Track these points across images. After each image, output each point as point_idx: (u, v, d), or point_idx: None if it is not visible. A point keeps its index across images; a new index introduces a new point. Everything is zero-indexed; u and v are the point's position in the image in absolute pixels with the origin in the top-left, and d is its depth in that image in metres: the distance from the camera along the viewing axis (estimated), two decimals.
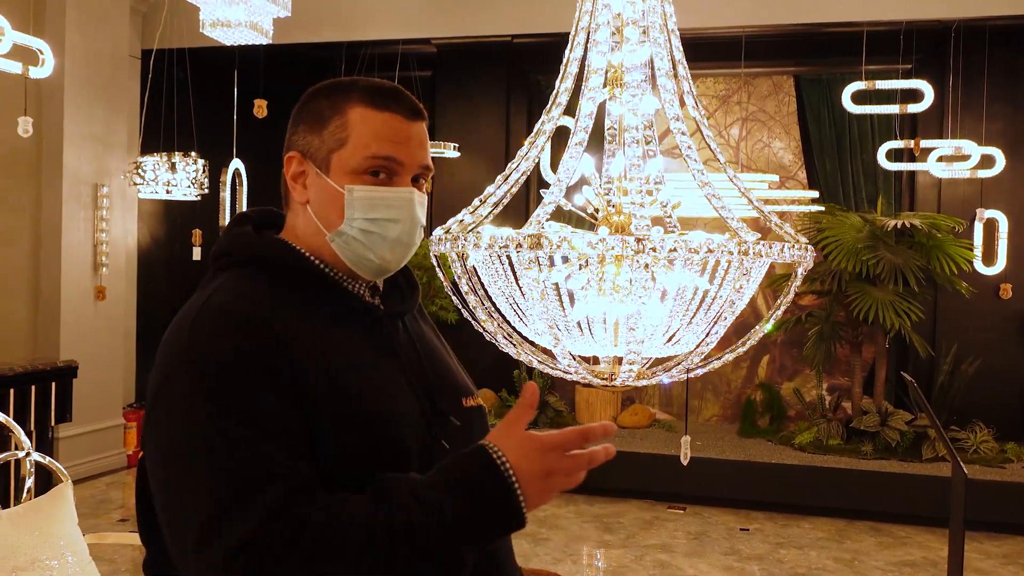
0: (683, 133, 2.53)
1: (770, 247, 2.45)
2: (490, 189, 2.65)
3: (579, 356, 2.75)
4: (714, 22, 6.54)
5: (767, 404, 7.11)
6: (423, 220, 1.31)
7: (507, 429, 1.12)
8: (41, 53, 4.67)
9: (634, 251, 2.33)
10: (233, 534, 1.00)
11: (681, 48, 2.64)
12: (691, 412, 7.54)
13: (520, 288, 2.56)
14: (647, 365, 2.79)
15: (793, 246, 2.52)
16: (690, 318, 2.66)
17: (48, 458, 2.47)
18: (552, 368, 2.69)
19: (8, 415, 3.49)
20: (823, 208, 6.50)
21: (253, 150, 6.83)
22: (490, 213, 2.64)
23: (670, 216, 2.66)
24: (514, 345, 2.66)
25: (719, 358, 2.73)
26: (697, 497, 6.03)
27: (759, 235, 2.49)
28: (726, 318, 2.57)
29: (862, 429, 6.15)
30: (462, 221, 2.62)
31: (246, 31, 4.98)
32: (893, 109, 6.03)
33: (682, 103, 2.64)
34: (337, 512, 1.04)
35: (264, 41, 5.06)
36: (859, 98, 5.93)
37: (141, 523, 1.22)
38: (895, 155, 6.40)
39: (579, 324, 2.68)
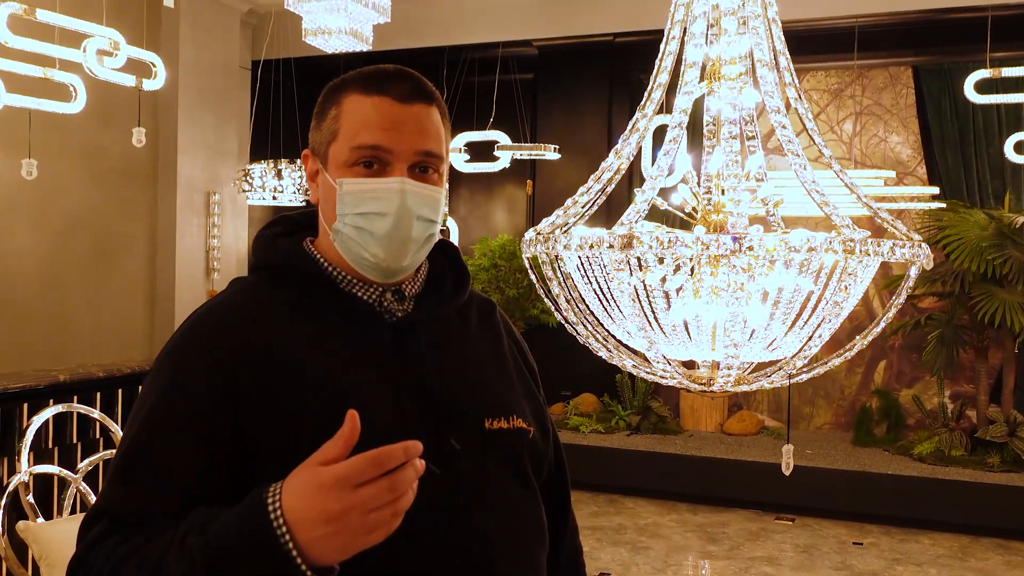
0: (783, 127, 2.40)
1: (878, 245, 2.30)
2: (582, 190, 2.58)
3: (676, 360, 2.65)
4: (825, 12, 6.28)
5: (884, 412, 6.78)
6: (427, 212, 1.17)
7: (304, 464, 0.96)
8: (154, 66, 4.85)
9: (730, 251, 2.23)
10: (81, 542, 1.08)
11: (783, 38, 2.51)
12: (802, 419, 7.25)
13: (611, 290, 2.48)
14: (749, 370, 2.67)
15: (904, 244, 2.36)
16: (791, 322, 2.53)
17: None
18: (647, 372, 2.60)
19: (117, 414, 3.62)
20: (944, 205, 6.15)
21: None
22: (581, 214, 2.57)
23: (773, 214, 2.53)
24: (607, 349, 2.59)
25: (824, 363, 2.58)
26: (807, 508, 5.78)
27: (868, 233, 2.34)
28: (830, 321, 2.42)
29: (988, 440, 5.77)
30: (553, 222, 2.57)
31: (347, 38, 5.05)
32: (1021, 98, 5.64)
33: (784, 96, 2.51)
34: (137, 548, 1.02)
35: (365, 48, 5.12)
36: (983, 87, 5.57)
37: None
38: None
39: (674, 327, 2.58)
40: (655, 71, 2.58)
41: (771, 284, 2.45)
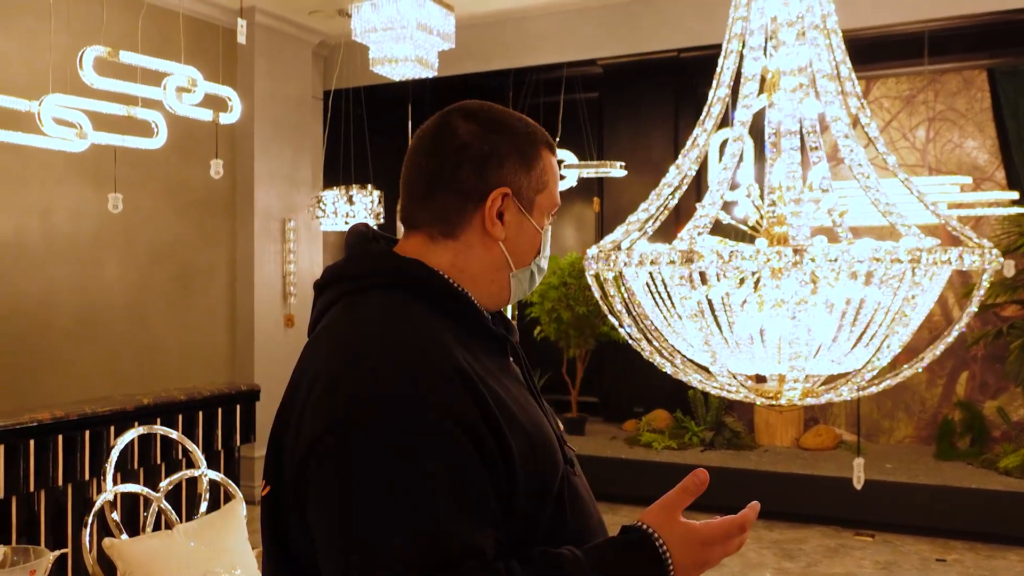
0: (845, 136, 2.40)
1: (945, 253, 2.27)
2: (643, 206, 2.61)
3: (743, 374, 2.65)
4: (892, 18, 6.17)
5: (967, 424, 6.57)
6: None
7: (667, 515, 1.12)
8: (229, 100, 5.03)
9: (792, 263, 2.23)
10: None
11: (843, 47, 2.51)
12: (882, 433, 7.08)
13: (674, 305, 2.49)
14: (818, 383, 2.64)
15: (974, 251, 2.32)
16: (859, 334, 2.50)
17: (221, 475, 2.63)
18: (713, 387, 2.60)
19: (198, 435, 3.76)
20: None
21: None
22: (643, 230, 2.59)
23: (839, 225, 2.52)
24: (672, 364, 2.60)
25: (896, 374, 2.55)
26: (887, 524, 5.63)
27: (937, 241, 2.31)
28: (899, 332, 2.39)
29: None
30: (614, 239, 2.60)
31: (413, 65, 5.18)
32: None
33: (846, 105, 2.50)
34: None
35: (430, 74, 5.24)
36: None
37: (270, 563, 1.18)
38: None
39: (738, 343, 2.58)
40: (714, 85, 2.60)
41: (837, 296, 2.44)
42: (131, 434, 2.57)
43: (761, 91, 2.56)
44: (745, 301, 2.58)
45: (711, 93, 2.62)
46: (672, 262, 2.29)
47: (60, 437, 3.32)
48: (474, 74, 7.25)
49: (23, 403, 4.74)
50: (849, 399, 2.55)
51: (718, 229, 2.74)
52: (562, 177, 6.39)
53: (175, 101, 4.74)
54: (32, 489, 3.21)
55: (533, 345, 7.15)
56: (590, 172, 6.34)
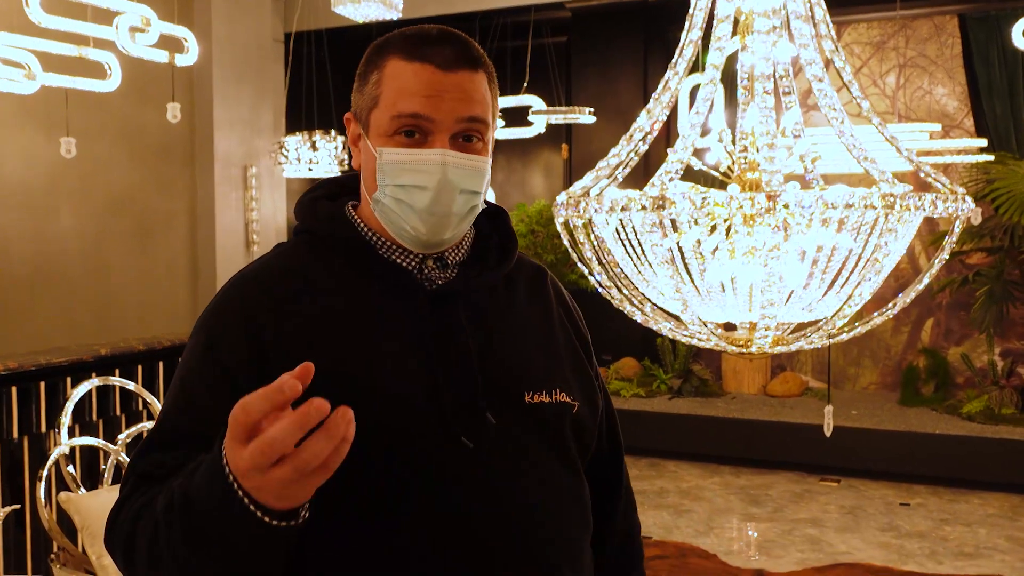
0: (819, 79, 2.33)
1: (919, 199, 2.23)
2: (613, 151, 2.54)
3: (714, 322, 2.61)
4: None
5: (931, 371, 6.65)
6: (470, 185, 1.13)
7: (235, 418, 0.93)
8: (186, 41, 4.86)
9: (764, 209, 2.18)
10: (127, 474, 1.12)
11: None
12: (847, 380, 7.15)
13: (644, 253, 2.44)
14: (788, 331, 2.62)
15: (947, 198, 2.29)
16: (830, 282, 2.47)
17: None
18: (684, 335, 2.57)
19: (158, 386, 3.68)
20: (992, 158, 5.97)
21: None
22: (612, 176, 2.53)
23: (811, 171, 2.46)
24: (643, 312, 2.55)
25: (865, 322, 2.53)
26: (852, 470, 5.71)
27: (910, 188, 2.27)
28: (871, 280, 2.36)
29: None
30: (584, 185, 2.53)
31: (376, 6, 5.01)
32: None
33: (820, 48, 2.44)
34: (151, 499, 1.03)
35: (395, 15, 5.08)
36: None
37: None
38: None
39: (709, 290, 2.54)
40: (686, 27, 2.53)
41: (809, 243, 2.40)
42: (86, 385, 2.48)
43: (734, 34, 2.49)
44: (716, 248, 2.54)
45: (683, 35, 2.54)
46: (643, 208, 2.23)
47: (14, 389, 3.23)
48: (440, 16, 7.07)
49: None
50: (819, 347, 2.53)
51: (689, 175, 2.68)
52: (530, 124, 6.28)
53: (128, 41, 4.56)
54: None
55: None
56: (558, 118, 6.24)
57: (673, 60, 2.53)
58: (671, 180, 2.30)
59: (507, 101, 6.31)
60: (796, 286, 2.42)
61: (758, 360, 6.79)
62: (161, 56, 4.74)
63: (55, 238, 5.67)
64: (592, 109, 6.35)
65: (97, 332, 5.69)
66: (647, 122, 2.53)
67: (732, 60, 2.48)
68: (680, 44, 2.53)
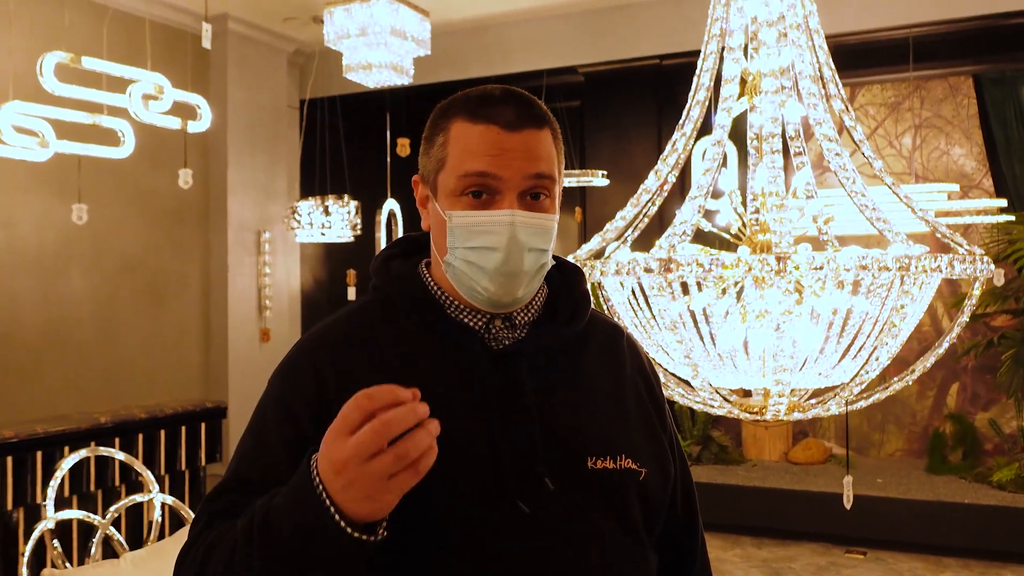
0: (829, 139, 2.28)
1: (935, 260, 2.14)
2: (620, 214, 2.49)
3: (726, 389, 2.52)
4: (877, 23, 6.09)
5: (959, 437, 6.45)
6: (539, 243, 1.13)
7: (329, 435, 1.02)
8: (198, 108, 4.89)
9: (774, 271, 2.10)
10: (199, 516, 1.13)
11: (826, 48, 2.40)
12: (871, 446, 6.95)
13: (654, 316, 2.37)
14: (805, 397, 2.52)
15: (964, 259, 2.20)
16: (846, 346, 2.38)
17: (173, 499, 2.48)
18: (694, 401, 2.47)
19: (159, 456, 3.59)
20: (1013, 218, 5.86)
21: (407, 189, 6.94)
22: (621, 237, 2.48)
23: (825, 232, 2.39)
24: None
25: (885, 388, 2.43)
26: (879, 541, 5.49)
27: (926, 249, 2.19)
28: (888, 343, 2.27)
29: None
30: (591, 248, 2.47)
31: (387, 72, 5.05)
32: None
33: (830, 108, 2.39)
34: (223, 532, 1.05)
35: (405, 81, 5.11)
36: None
37: None
38: None
39: (720, 356, 2.45)
40: (693, 87, 2.50)
41: (824, 306, 2.32)
42: (73, 458, 2.41)
43: (742, 94, 2.45)
44: (728, 312, 2.46)
45: (690, 96, 2.51)
46: (649, 270, 2.16)
47: (10, 459, 3.16)
48: (453, 82, 7.13)
49: None
50: (837, 413, 2.43)
51: (700, 238, 2.61)
52: None
53: (141, 108, 4.60)
54: None
55: None
56: (572, 181, 6.22)
57: (681, 121, 2.50)
58: (679, 242, 2.23)
59: None
60: (811, 351, 2.33)
61: (779, 427, 6.63)
62: (174, 123, 4.77)
63: (66, 302, 5.66)
64: (605, 172, 6.33)
65: (107, 397, 5.64)
66: (655, 183, 2.48)
67: (743, 121, 2.44)
68: (687, 105, 2.49)
